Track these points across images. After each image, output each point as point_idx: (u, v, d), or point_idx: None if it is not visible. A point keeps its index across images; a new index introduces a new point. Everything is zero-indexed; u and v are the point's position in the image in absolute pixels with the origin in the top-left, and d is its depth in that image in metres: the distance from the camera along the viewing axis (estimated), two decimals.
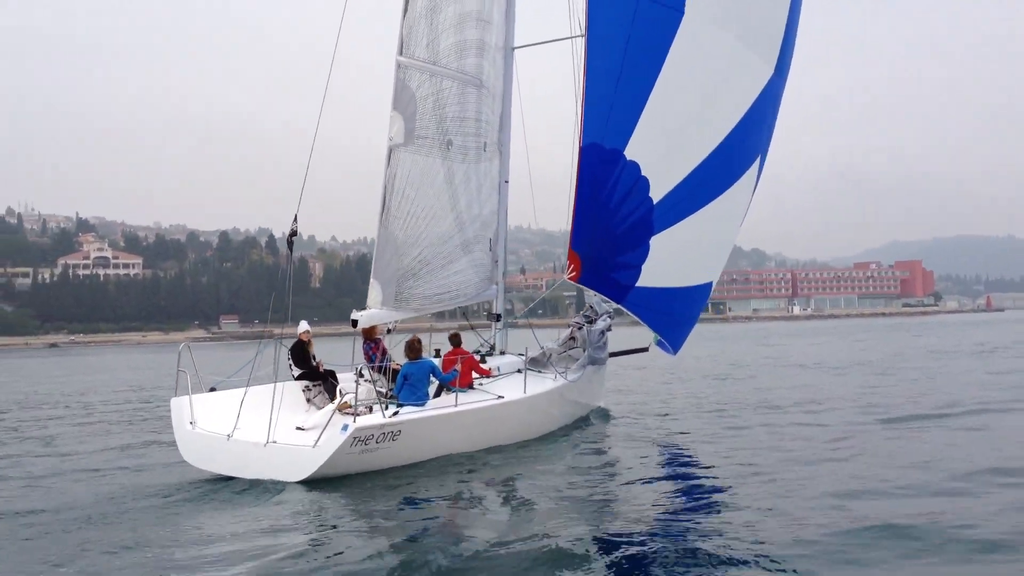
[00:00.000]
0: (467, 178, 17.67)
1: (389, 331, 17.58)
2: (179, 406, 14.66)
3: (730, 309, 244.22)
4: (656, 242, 17.85)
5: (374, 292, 16.23)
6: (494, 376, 17.61)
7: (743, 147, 18.63)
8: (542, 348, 19.94)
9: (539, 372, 18.55)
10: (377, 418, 13.92)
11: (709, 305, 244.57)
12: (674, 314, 19.43)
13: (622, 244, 17.68)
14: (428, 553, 9.39)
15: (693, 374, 33.63)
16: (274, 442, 13.83)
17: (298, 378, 16.68)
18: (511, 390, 16.69)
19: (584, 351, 19.90)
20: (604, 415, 20.67)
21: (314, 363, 16.84)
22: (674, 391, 26.76)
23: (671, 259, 18.26)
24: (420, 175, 16.64)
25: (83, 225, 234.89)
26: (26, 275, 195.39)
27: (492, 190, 18.68)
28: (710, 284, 20.00)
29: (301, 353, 16.79)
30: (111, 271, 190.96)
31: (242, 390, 15.07)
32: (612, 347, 21.57)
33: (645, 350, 21.50)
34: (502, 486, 13.20)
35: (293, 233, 15.32)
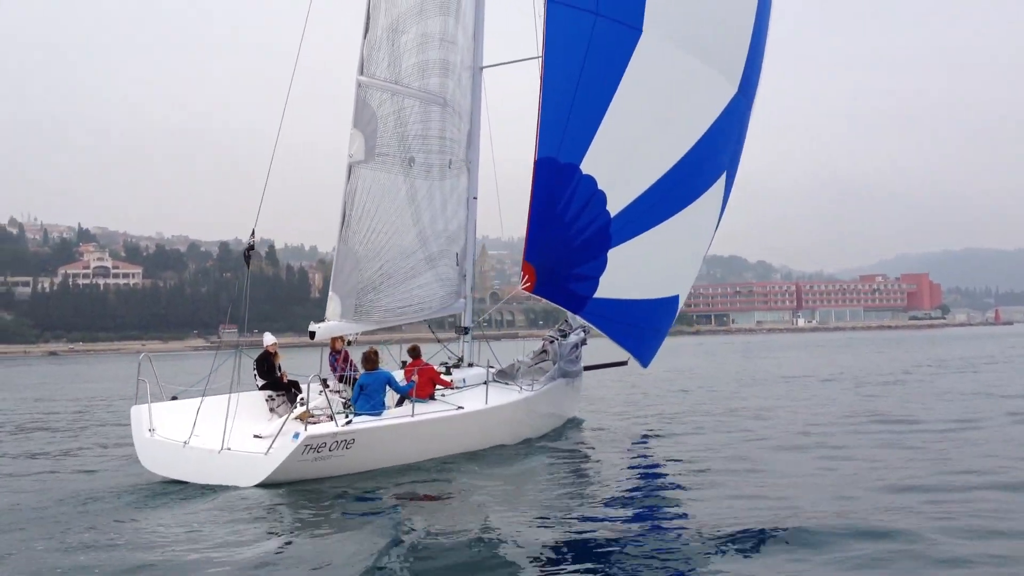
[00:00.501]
0: (431, 194, 18.08)
1: (349, 343, 17.92)
2: (138, 414, 15.07)
3: (733, 321, 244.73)
4: (614, 255, 18.24)
5: (333, 304, 16.66)
6: (457, 387, 17.99)
7: (705, 164, 19.04)
8: (515, 361, 20.30)
9: (506, 384, 18.91)
10: (330, 427, 14.33)
11: (712, 317, 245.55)
12: (638, 326, 19.76)
13: (578, 256, 18.07)
14: (370, 555, 9.77)
15: (671, 386, 34.02)
16: (228, 449, 14.23)
17: (262, 388, 17.09)
18: (472, 401, 17.06)
19: (555, 364, 20.25)
20: (575, 426, 21.02)
21: (279, 374, 17.25)
22: (656, 402, 27.19)
23: (631, 272, 18.64)
24: (381, 191, 17.07)
25: (84, 235, 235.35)
26: (26, 284, 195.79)
27: (459, 206, 19.10)
28: (676, 298, 20.33)
29: (266, 364, 17.19)
30: (111, 280, 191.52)
31: (195, 399, 15.47)
32: (592, 361, 22.01)
33: (624, 363, 21.83)
34: (451, 493, 13.61)
35: (250, 247, 15.74)
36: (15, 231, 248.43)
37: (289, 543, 10.59)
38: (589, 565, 9.41)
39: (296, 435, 13.82)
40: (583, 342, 21.09)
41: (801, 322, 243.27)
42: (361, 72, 16.74)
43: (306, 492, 13.42)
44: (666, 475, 14.93)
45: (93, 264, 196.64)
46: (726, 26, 18.78)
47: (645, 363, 21.19)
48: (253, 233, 15.79)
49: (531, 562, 9.55)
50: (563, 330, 21.23)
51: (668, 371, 42.91)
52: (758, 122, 21.12)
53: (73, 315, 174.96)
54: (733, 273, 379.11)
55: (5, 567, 9.67)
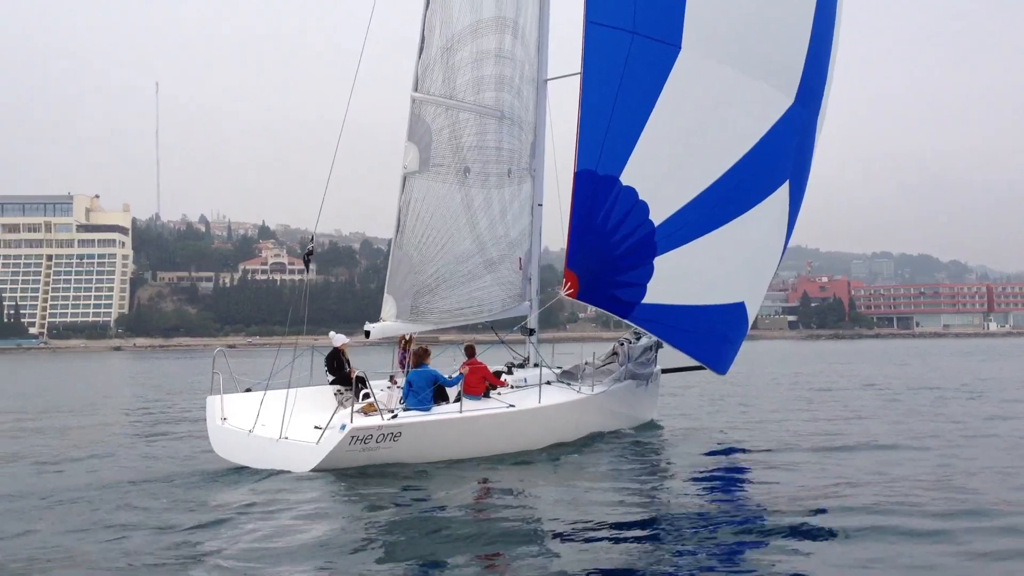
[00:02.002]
0: (488, 202, 19.12)
1: (405, 342, 19.10)
2: (213, 404, 16.66)
3: (918, 324, 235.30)
4: (662, 262, 18.85)
5: (388, 306, 17.91)
6: (516, 387, 18.94)
7: (760, 173, 19.43)
8: (582, 362, 21.07)
9: (568, 384, 19.73)
10: (376, 420, 15.53)
11: (895, 319, 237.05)
12: (699, 331, 20.22)
13: (622, 264, 18.74)
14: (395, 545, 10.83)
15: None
16: (286, 438, 15.61)
17: (331, 383, 18.48)
18: (526, 400, 17.98)
19: (622, 366, 20.93)
20: (648, 428, 21.56)
21: (347, 370, 18.59)
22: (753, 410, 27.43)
23: (682, 278, 19.18)
24: (436, 200, 18.23)
25: (265, 232, 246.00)
26: (209, 279, 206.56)
27: (521, 212, 20.07)
28: (742, 304, 20.65)
29: (336, 361, 18.56)
30: (286, 276, 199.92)
31: (276, 392, 16.93)
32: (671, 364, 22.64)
33: (702, 368, 22.26)
34: (495, 488, 14.62)
35: (309, 252, 17.12)
36: (203, 228, 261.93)
37: (330, 528, 11.62)
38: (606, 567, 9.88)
39: (343, 426, 15.05)
40: (659, 346, 21.64)
41: (993, 326, 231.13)
42: (415, 89, 17.92)
43: (355, 480, 14.60)
44: (702, 482, 15.23)
45: (270, 260, 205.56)
46: (778, 39, 19.13)
47: (720, 370, 21.60)
48: (312, 239, 17.20)
49: (562, 559, 10.12)
50: (638, 333, 21.82)
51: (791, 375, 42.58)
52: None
53: (251, 309, 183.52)
54: (922, 273, 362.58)
55: (95, 529, 11.53)
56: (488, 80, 18.95)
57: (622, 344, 21.48)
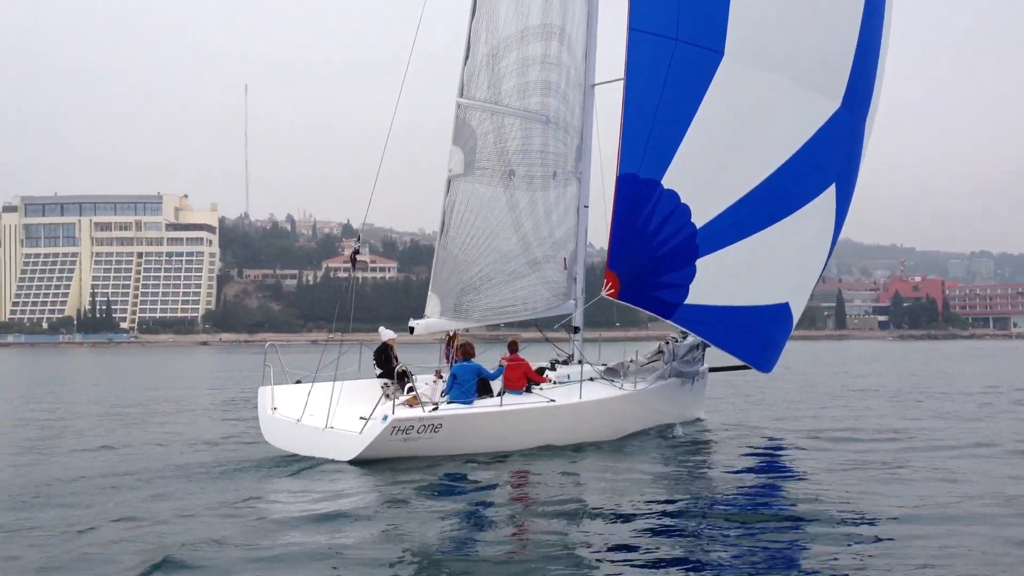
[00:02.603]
0: (532, 204, 19.66)
1: (450, 338, 19.75)
2: (264, 394, 17.47)
3: (1015, 324, 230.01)
4: (704, 263, 19.18)
5: (432, 303, 18.60)
6: (558, 383, 19.47)
7: (805, 176, 19.63)
8: (626, 360, 21.51)
9: (611, 381, 20.20)
10: (417, 411, 16.21)
11: (991, 320, 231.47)
12: (742, 331, 20.52)
13: (664, 265, 19.13)
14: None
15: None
16: (331, 427, 16.34)
17: (379, 376, 19.20)
18: (567, 396, 18.50)
19: (667, 364, 21.34)
20: (692, 425, 21.84)
21: (394, 364, 19.29)
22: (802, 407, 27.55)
23: (726, 279, 19.48)
24: (480, 201, 18.83)
25: (348, 230, 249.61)
26: (293, 277, 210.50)
27: (567, 214, 20.56)
28: (786, 305, 20.88)
29: (383, 356, 19.27)
30: (368, 274, 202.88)
31: (322, 384, 17.67)
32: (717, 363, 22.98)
33: (745, 367, 22.59)
34: (533, 481, 15.10)
35: (356, 252, 17.87)
36: (288, 227, 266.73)
37: (368, 517, 12.09)
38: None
39: (385, 417, 15.72)
40: (705, 345, 21.96)
41: None
42: (461, 95, 18.54)
43: (396, 470, 15.21)
44: (742, 481, 15.34)
45: (358, 258, 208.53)
46: (823, 44, 19.31)
47: (765, 369, 21.88)
48: (359, 239, 17.94)
49: (596, 555, 10.29)
50: (685, 332, 22.16)
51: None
52: None
53: (333, 306, 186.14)
54: None
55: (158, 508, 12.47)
56: (533, 85, 19.47)
57: (668, 343, 21.85)
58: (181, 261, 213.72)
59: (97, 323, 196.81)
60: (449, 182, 18.62)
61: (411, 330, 18.76)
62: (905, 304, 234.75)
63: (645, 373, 20.94)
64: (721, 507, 12.88)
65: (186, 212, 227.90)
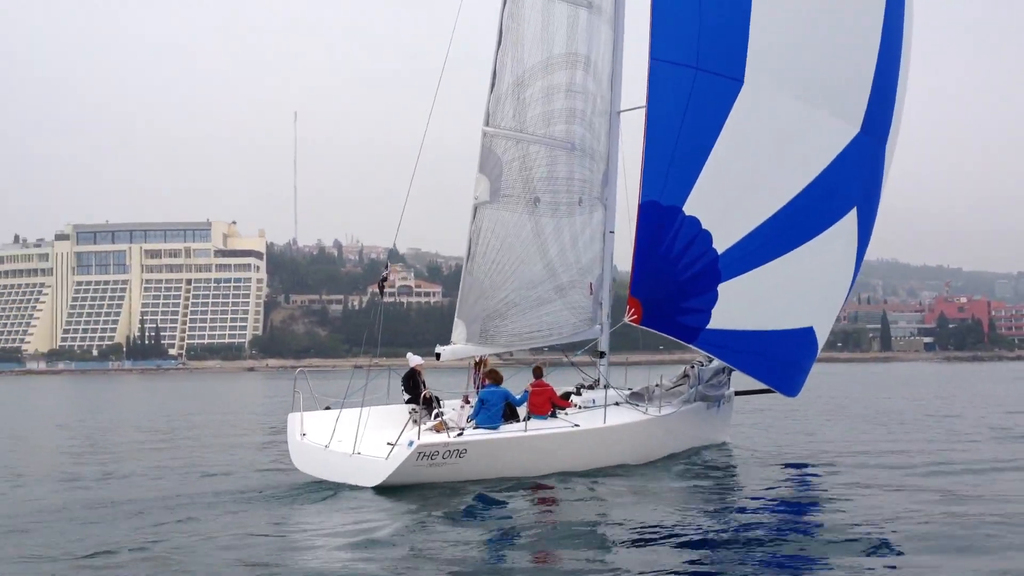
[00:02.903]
0: (558, 230, 19.96)
1: (478, 364, 20.02)
2: (293, 420, 17.81)
3: None
4: (726, 288, 19.38)
5: (459, 330, 18.92)
6: (582, 407, 19.69)
7: (826, 201, 19.84)
8: (651, 384, 21.69)
9: (636, 406, 20.37)
10: (443, 437, 16.48)
11: None
12: (766, 356, 20.64)
13: (686, 290, 19.37)
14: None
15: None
16: (358, 453, 16.64)
17: (407, 402, 19.51)
18: (592, 420, 18.70)
19: (692, 388, 21.50)
20: (719, 449, 22.02)
21: (422, 389, 19.60)
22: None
23: (747, 304, 19.65)
24: (506, 229, 19.17)
25: (394, 256, 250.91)
26: (339, 302, 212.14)
27: (593, 240, 20.85)
28: (811, 329, 20.99)
29: (411, 381, 19.59)
30: (413, 299, 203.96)
31: (351, 410, 17.95)
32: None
33: (771, 391, 22.72)
34: (558, 507, 15.42)
35: (384, 279, 18.27)
36: (336, 252, 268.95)
37: (392, 543, 12.31)
38: None
39: (411, 443, 15.99)
40: (731, 369, 22.08)
41: None
42: (487, 124, 18.91)
43: (422, 495, 15.48)
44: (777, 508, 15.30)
45: (398, 283, 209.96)
46: (842, 70, 19.59)
47: (790, 393, 22.00)
48: (387, 265, 18.32)
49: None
50: (710, 356, 22.30)
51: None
52: None
53: (375, 331, 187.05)
54: None
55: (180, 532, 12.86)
56: (559, 113, 19.81)
57: (693, 367, 22.01)
58: (229, 287, 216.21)
59: (146, 350, 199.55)
60: (475, 209, 18.96)
61: (437, 356, 19.08)
62: (951, 325, 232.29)
63: (670, 397, 21.12)
64: (740, 531, 13.04)
65: (234, 238, 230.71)
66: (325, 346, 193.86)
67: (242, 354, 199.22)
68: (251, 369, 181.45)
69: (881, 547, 11.75)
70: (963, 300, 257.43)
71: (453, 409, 19.04)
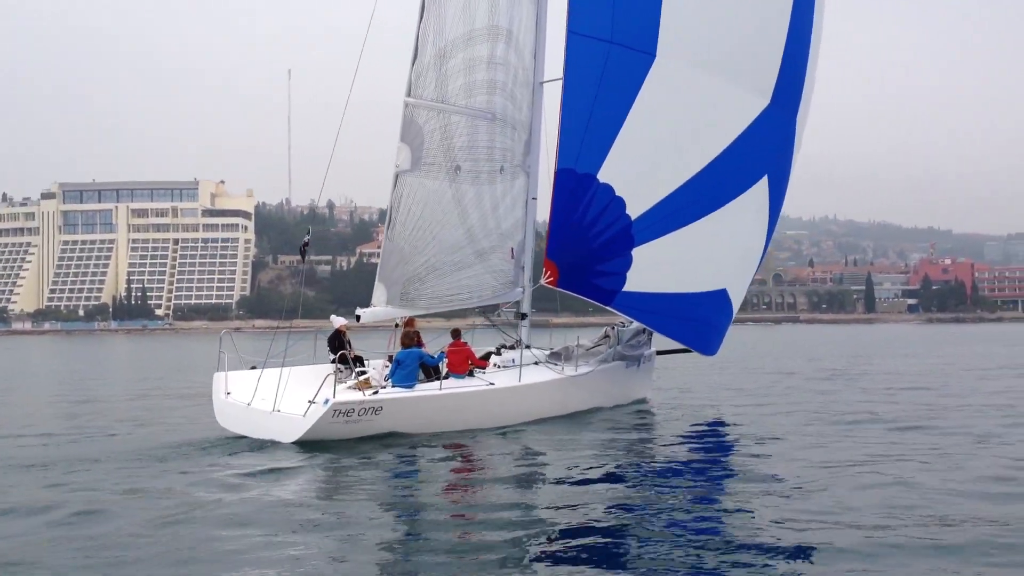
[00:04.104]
0: (479, 197, 20.82)
1: (396, 325, 20.91)
2: (218, 380, 18.66)
3: None
4: (640, 252, 20.31)
5: (379, 292, 19.86)
6: (502, 367, 20.60)
7: (737, 170, 20.74)
8: (571, 344, 22.66)
9: (555, 365, 21.31)
10: (358, 394, 17.39)
11: (1021, 303, 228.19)
12: (682, 317, 21.60)
13: (601, 254, 20.30)
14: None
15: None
16: (278, 411, 17.53)
17: (333, 362, 20.39)
18: (507, 379, 19.66)
19: (611, 349, 22.48)
20: (634, 407, 23.00)
21: (347, 350, 20.46)
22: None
23: (661, 267, 20.60)
24: (426, 195, 20.03)
25: (384, 216, 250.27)
26: (328, 263, 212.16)
27: (514, 206, 21.72)
28: (724, 291, 21.91)
29: (337, 341, 20.46)
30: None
31: (274, 369, 18.76)
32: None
33: (688, 351, 23.80)
34: (469, 462, 16.24)
35: (305, 244, 19.10)
36: (327, 213, 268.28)
37: (311, 498, 12.84)
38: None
39: (327, 401, 16.88)
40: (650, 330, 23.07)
41: None
42: (408, 94, 19.72)
43: (340, 450, 16.28)
44: (681, 460, 16.22)
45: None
46: (752, 45, 20.46)
47: (708, 352, 23.05)
48: (308, 231, 19.15)
49: (530, 536, 10.66)
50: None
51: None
52: None
53: (365, 292, 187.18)
54: None
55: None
56: (480, 84, 20.59)
57: (614, 328, 22.98)
58: (216, 247, 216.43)
59: (132, 310, 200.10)
60: (396, 177, 19.78)
61: (357, 318, 19.96)
62: (934, 287, 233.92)
63: (589, 357, 22.09)
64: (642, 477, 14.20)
65: (222, 198, 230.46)
66: (313, 307, 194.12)
67: (229, 315, 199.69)
68: (237, 329, 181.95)
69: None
70: (947, 262, 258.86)
71: (374, 368, 19.94)
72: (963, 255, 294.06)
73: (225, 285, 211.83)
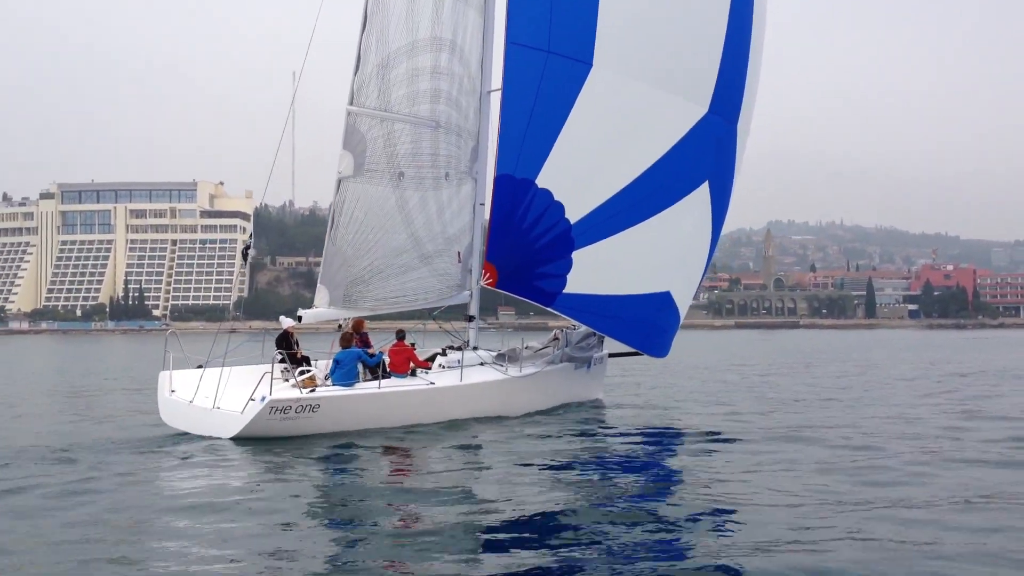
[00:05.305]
0: (423, 202, 21.37)
1: (339, 327, 21.46)
2: (163, 378, 19.21)
3: None
4: (580, 255, 20.88)
5: (321, 294, 20.41)
6: (444, 367, 21.16)
7: (676, 176, 21.28)
8: (518, 346, 23.21)
9: (500, 366, 21.86)
10: (295, 392, 17.95)
11: (1021, 309, 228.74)
12: (624, 319, 22.11)
13: (542, 257, 20.87)
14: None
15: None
16: (218, 408, 18.08)
17: (280, 361, 20.95)
18: (448, 379, 20.23)
19: (558, 351, 23.03)
20: (588, 407, 23.64)
21: (294, 350, 21.02)
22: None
23: (602, 270, 21.14)
24: (369, 201, 20.57)
25: None
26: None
27: (460, 211, 22.29)
28: (667, 294, 22.42)
29: (284, 341, 21.02)
30: None
31: (216, 369, 19.11)
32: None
33: (639, 353, 24.32)
34: (408, 459, 16.71)
35: (247, 247, 19.69)
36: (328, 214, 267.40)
37: (246, 491, 13.13)
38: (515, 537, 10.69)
39: (263, 398, 17.43)
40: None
41: None
42: (351, 103, 20.27)
43: (276, 446, 16.82)
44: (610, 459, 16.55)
45: None
46: (689, 54, 21.04)
47: (657, 354, 23.58)
48: (251, 236, 19.70)
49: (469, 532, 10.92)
50: None
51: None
52: None
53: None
54: None
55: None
56: (423, 94, 21.14)
57: (563, 331, 23.55)
58: (215, 248, 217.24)
59: (130, 310, 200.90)
60: (339, 183, 20.33)
61: (299, 319, 20.51)
62: (936, 293, 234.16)
63: (536, 359, 22.63)
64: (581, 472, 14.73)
65: (221, 199, 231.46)
66: (310, 307, 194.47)
67: (226, 316, 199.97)
68: (233, 331, 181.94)
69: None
70: (949, 268, 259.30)
71: (318, 369, 20.48)
72: (970, 261, 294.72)
73: (223, 286, 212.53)
